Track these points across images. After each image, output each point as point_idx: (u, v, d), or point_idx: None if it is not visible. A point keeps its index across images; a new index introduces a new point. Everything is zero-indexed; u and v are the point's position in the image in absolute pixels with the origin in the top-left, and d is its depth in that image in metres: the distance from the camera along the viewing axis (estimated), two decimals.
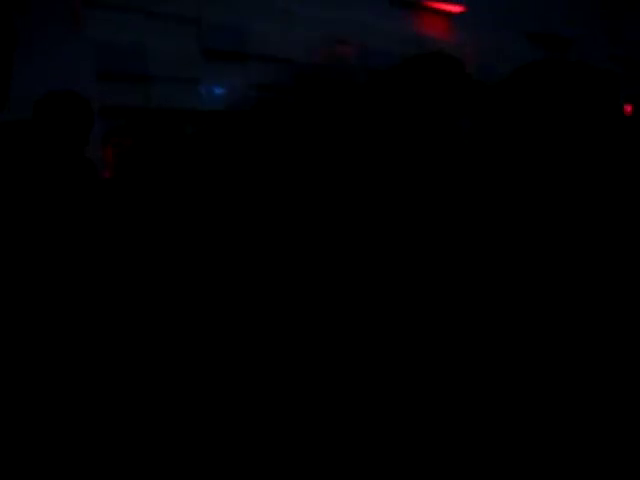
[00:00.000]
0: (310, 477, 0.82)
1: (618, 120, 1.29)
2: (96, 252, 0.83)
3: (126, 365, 0.77)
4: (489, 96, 1.28)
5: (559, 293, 1.04)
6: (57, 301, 0.81)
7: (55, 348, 0.79)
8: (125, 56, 6.13)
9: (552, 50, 9.35)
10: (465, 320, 1.04)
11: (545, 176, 1.19)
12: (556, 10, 9.15)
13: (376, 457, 0.89)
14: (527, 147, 1.20)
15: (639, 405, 0.95)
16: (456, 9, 8.87)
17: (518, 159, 1.21)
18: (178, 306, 0.82)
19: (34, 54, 5.47)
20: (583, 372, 0.98)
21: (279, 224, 0.90)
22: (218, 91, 6.97)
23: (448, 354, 1.01)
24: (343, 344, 0.89)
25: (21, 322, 0.80)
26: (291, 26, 7.36)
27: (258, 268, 0.85)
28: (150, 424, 0.76)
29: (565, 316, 1.01)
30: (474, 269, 1.06)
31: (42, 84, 4.84)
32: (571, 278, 1.02)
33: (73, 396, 0.77)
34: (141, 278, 0.83)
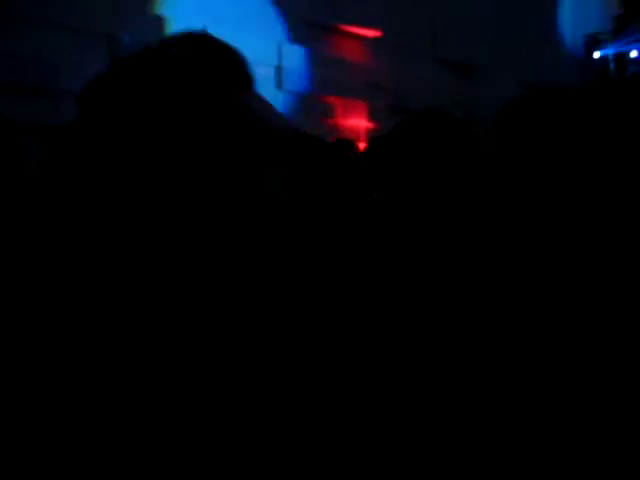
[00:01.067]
0: (310, 477, 0.82)
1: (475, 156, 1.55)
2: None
3: (124, 365, 0.75)
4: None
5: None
6: (51, 303, 0.79)
7: (53, 345, 0.77)
8: (36, 69, 5.95)
9: (459, 75, 9.67)
10: (464, 319, 1.04)
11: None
12: (466, 38, 9.49)
13: (376, 457, 0.89)
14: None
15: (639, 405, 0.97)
16: (373, 34, 9.06)
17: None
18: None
19: None
20: (583, 372, 0.99)
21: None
22: None
23: (448, 353, 1.01)
24: (343, 343, 0.88)
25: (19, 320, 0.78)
26: None
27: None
28: (150, 424, 0.73)
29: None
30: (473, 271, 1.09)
31: None
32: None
33: (70, 396, 0.74)
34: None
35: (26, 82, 5.89)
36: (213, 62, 0.81)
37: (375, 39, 9.09)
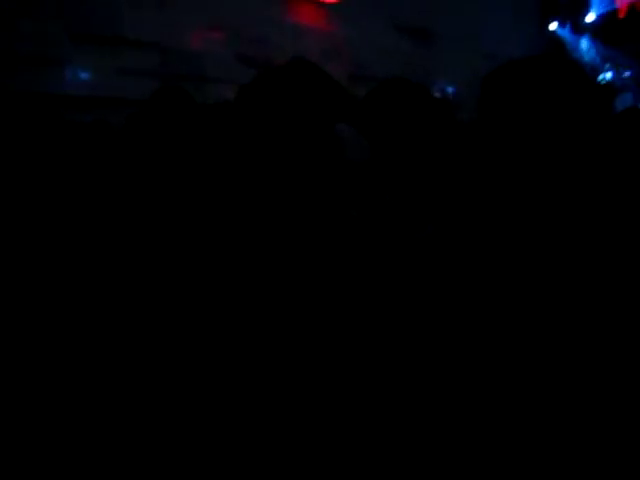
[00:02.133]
0: (310, 477, 0.82)
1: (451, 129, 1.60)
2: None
3: (126, 364, 0.74)
4: (358, 106, 1.55)
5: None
6: (56, 300, 0.78)
7: (55, 346, 0.76)
8: None
9: (418, 42, 9.64)
10: (464, 319, 1.04)
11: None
12: (425, 6, 9.44)
13: (376, 457, 0.89)
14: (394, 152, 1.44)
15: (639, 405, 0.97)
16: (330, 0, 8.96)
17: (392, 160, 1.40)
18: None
19: None
20: (583, 372, 0.99)
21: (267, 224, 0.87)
22: (85, 75, 6.68)
23: (447, 353, 1.01)
24: (342, 343, 0.88)
25: (22, 319, 0.77)
26: (163, 10, 7.16)
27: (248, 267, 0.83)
28: (150, 424, 0.73)
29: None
30: (472, 269, 1.07)
31: None
32: None
33: (73, 396, 0.74)
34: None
35: None
36: (318, 91, 0.85)
37: (333, 5, 8.99)
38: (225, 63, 7.22)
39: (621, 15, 10.53)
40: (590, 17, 10.75)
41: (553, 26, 11.04)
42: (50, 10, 6.23)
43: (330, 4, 8.98)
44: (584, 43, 10.80)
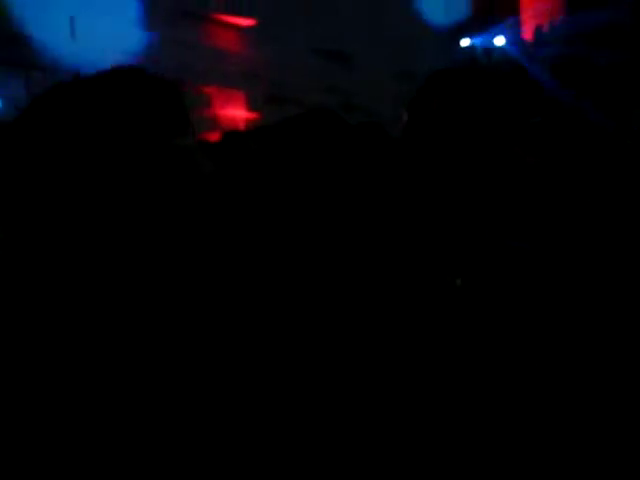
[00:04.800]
0: (310, 477, 0.83)
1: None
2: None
3: (125, 364, 0.73)
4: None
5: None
6: (53, 300, 0.75)
7: (54, 346, 0.74)
8: None
9: (336, 64, 9.80)
10: (464, 319, 1.04)
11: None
12: (341, 28, 9.62)
13: (376, 457, 0.90)
14: None
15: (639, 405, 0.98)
16: (247, 22, 9.00)
17: None
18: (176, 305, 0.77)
19: None
20: (583, 372, 1.00)
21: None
22: None
23: (447, 353, 1.01)
24: (342, 344, 0.90)
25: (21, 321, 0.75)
26: (76, 38, 7.06)
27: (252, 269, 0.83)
28: (150, 424, 0.71)
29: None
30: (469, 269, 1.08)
31: None
32: None
33: (72, 396, 0.72)
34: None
35: None
36: (149, 103, 0.78)
37: (249, 28, 9.04)
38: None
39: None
40: (499, 40, 11.17)
41: (465, 42, 11.42)
42: None
43: (246, 27, 9.04)
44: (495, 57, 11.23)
